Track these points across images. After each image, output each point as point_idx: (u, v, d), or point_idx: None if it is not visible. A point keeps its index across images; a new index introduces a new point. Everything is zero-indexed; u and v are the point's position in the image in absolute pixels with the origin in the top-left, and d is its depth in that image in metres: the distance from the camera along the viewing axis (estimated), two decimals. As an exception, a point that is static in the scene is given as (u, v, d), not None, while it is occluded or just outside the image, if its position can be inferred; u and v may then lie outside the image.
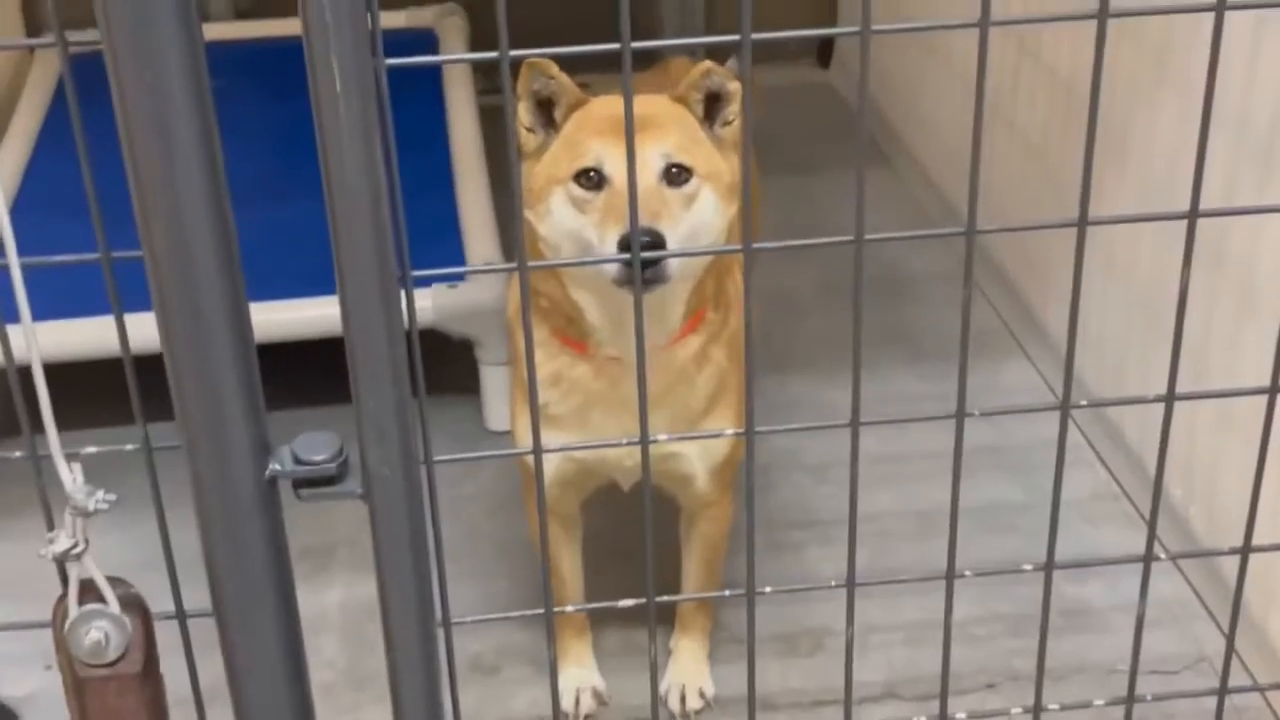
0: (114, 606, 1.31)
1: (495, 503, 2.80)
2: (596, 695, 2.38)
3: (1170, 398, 1.39)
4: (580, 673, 2.39)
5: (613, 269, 1.82)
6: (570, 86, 1.91)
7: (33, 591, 1.38)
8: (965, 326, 1.32)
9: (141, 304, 1.20)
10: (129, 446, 1.38)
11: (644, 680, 1.56)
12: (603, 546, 2.44)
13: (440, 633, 1.36)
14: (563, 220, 1.90)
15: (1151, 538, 1.49)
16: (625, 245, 1.78)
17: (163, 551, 1.42)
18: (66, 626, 1.31)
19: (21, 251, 1.20)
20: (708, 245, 1.92)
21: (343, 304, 1.18)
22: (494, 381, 2.98)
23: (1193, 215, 1.29)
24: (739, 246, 1.27)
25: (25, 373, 1.23)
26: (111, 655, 1.31)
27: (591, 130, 1.90)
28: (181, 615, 1.44)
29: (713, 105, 1.94)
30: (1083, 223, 1.27)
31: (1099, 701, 1.60)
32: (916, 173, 3.95)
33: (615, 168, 1.86)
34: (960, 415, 1.35)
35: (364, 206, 1.14)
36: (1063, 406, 1.38)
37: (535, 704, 2.36)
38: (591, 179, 1.88)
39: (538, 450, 1.36)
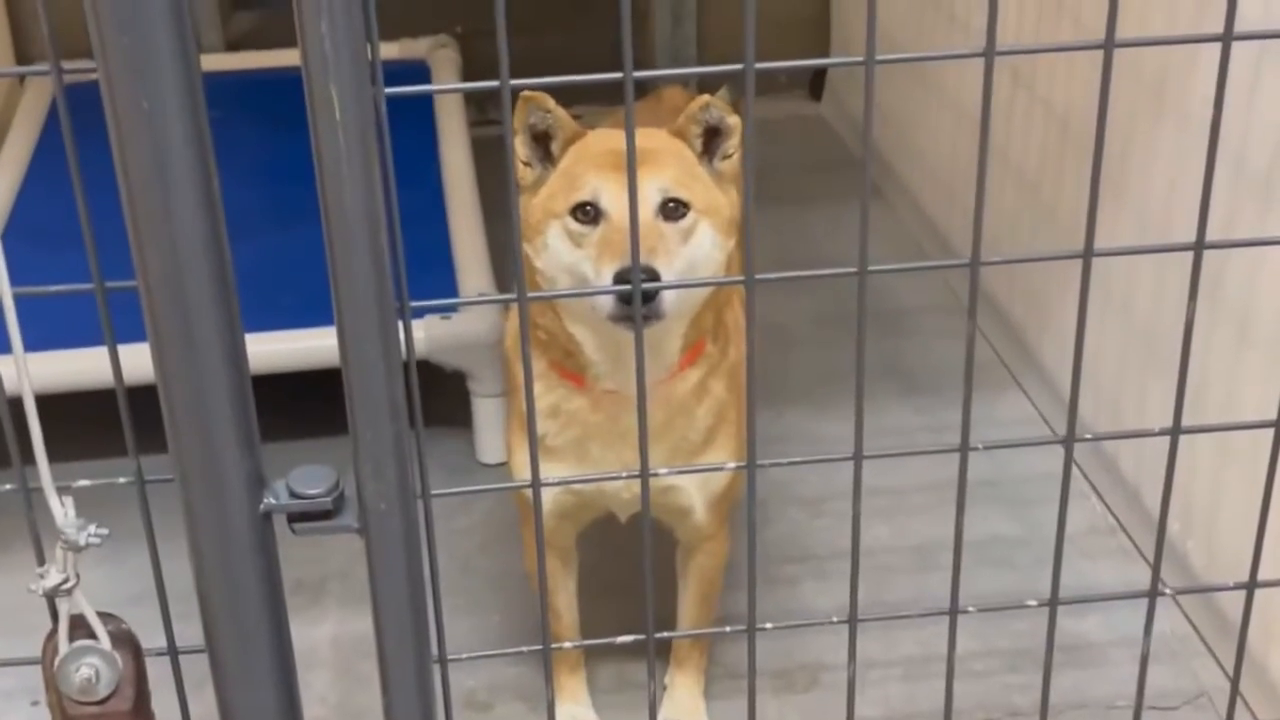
0: (105, 643, 1.29)
1: (488, 536, 2.78)
2: (591, 732, 2.36)
3: (1175, 431, 1.38)
4: (575, 709, 2.36)
5: (607, 307, 1.80)
6: (567, 120, 1.90)
7: (21, 626, 1.36)
8: (969, 360, 1.31)
9: (135, 335, 1.18)
10: (121, 480, 1.36)
11: (639, 717, 1.54)
12: (598, 580, 2.42)
13: (436, 669, 1.35)
14: (559, 254, 1.88)
15: (1156, 574, 1.48)
16: (620, 280, 1.76)
17: (155, 586, 1.40)
18: (56, 663, 1.29)
19: (13, 281, 1.19)
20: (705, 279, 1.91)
21: (340, 335, 1.17)
22: (487, 414, 2.96)
23: (1198, 247, 1.28)
24: (740, 278, 1.26)
25: (17, 404, 1.22)
26: (102, 692, 1.30)
27: (588, 164, 1.88)
28: (174, 651, 1.42)
29: (711, 139, 1.93)
30: (1088, 254, 1.26)
31: (1101, 738, 1.59)
32: (908, 204, 3.95)
33: (611, 202, 1.85)
34: (964, 449, 1.34)
35: (362, 236, 1.13)
36: (1067, 440, 1.37)
37: (529, 741, 2.34)
38: (588, 213, 1.87)
39: (536, 483, 1.34)
